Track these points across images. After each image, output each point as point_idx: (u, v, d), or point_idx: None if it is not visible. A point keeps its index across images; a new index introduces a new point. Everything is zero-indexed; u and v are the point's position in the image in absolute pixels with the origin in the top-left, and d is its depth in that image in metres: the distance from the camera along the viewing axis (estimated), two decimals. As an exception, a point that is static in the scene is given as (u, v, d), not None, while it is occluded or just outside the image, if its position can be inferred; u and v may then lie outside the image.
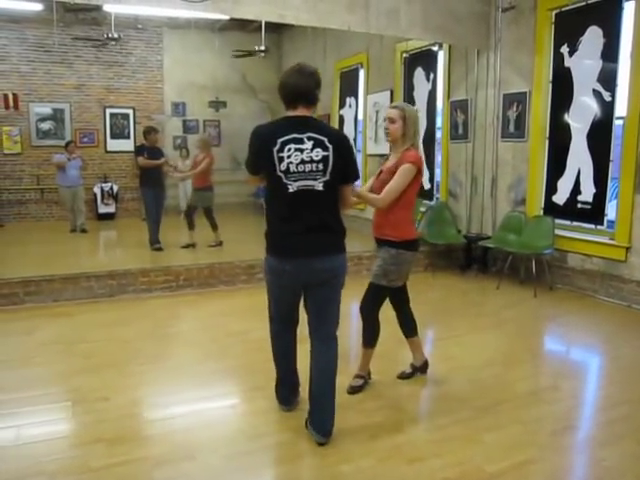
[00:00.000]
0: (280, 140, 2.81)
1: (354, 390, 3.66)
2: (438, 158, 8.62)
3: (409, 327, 4.00)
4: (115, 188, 11.99)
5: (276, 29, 12.08)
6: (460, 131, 7.93)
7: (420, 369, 3.97)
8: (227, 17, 7.67)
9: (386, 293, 3.74)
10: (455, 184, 8.15)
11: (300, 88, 2.90)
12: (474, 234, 7.61)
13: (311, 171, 2.82)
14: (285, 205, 2.88)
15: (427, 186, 8.77)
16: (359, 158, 10.44)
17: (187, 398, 3.61)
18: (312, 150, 2.81)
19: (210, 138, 8.93)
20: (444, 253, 7.60)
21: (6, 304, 5.67)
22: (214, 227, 8.14)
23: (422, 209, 8.26)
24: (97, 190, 11.85)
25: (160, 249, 7.78)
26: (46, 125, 11.81)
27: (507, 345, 4.74)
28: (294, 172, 2.81)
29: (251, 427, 3.21)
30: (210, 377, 3.98)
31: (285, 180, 2.82)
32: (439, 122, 8.53)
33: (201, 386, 3.82)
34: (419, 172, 3.46)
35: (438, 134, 8.57)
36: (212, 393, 3.75)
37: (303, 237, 2.89)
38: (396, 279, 3.64)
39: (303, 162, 2.81)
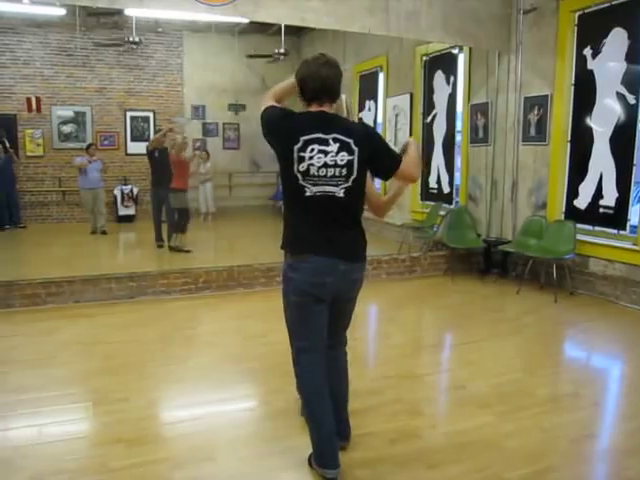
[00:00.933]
0: (303, 138, 2.55)
1: None
2: (458, 162, 8.57)
3: None
4: (135, 190, 12.10)
5: (296, 32, 12.12)
6: (480, 135, 7.87)
7: None
8: (247, 20, 7.72)
9: None
10: (475, 188, 8.09)
11: (330, 81, 2.62)
12: (494, 238, 7.55)
13: (333, 176, 2.57)
14: (304, 210, 2.65)
15: (447, 190, 8.73)
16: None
17: (206, 400, 3.62)
18: (337, 154, 2.56)
19: (184, 140, 8.70)
20: (463, 257, 7.55)
21: (28, 304, 5.74)
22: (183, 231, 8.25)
23: (442, 213, 8.22)
24: (117, 192, 11.97)
25: (161, 246, 7.93)
26: (68, 128, 11.98)
27: (527, 351, 4.68)
28: (314, 175, 2.56)
29: (270, 430, 3.22)
30: (229, 379, 3.99)
31: (302, 182, 2.58)
32: (459, 125, 8.48)
33: (220, 388, 3.83)
34: None
35: (458, 137, 8.52)
36: (231, 395, 3.75)
37: (323, 239, 2.65)
38: None
39: (326, 166, 2.56)
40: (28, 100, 11.34)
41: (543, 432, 3.21)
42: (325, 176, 2.57)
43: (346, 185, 2.61)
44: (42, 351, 4.58)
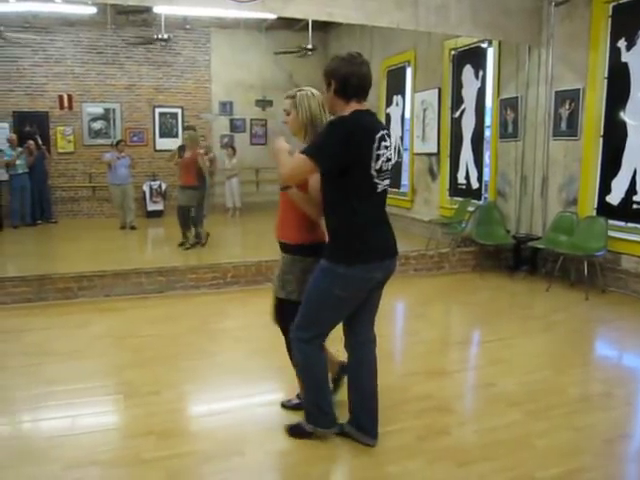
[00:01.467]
0: (377, 136, 2.66)
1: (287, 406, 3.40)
2: (487, 157, 8.47)
3: None
4: (164, 186, 12.24)
5: (323, 27, 12.11)
6: (510, 129, 7.77)
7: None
8: (275, 16, 7.73)
9: None
10: (504, 183, 7.99)
11: (369, 80, 2.74)
12: (523, 234, 7.45)
13: (388, 170, 2.76)
14: (373, 206, 2.74)
15: (475, 185, 8.64)
16: (406, 157, 10.38)
17: (234, 394, 3.65)
18: (390, 148, 2.76)
19: (197, 134, 8.64)
20: (492, 254, 7.47)
21: (61, 298, 5.86)
22: (194, 225, 8.22)
23: (470, 209, 8.14)
24: (146, 188, 12.12)
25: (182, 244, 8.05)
26: (98, 125, 12.16)
27: (557, 349, 4.61)
28: (384, 170, 2.71)
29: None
30: (257, 374, 4.02)
31: (376, 179, 2.68)
32: (488, 120, 8.38)
33: (248, 383, 3.85)
34: None
35: (487, 133, 8.43)
36: (259, 390, 3.77)
37: (388, 238, 2.81)
38: None
39: (388, 160, 2.73)
40: (60, 98, 11.52)
41: (575, 431, 3.16)
42: (388, 170, 2.76)
43: (390, 177, 2.82)
44: (75, 344, 4.66)
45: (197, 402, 3.63)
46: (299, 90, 2.99)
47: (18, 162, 10.48)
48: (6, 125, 11.40)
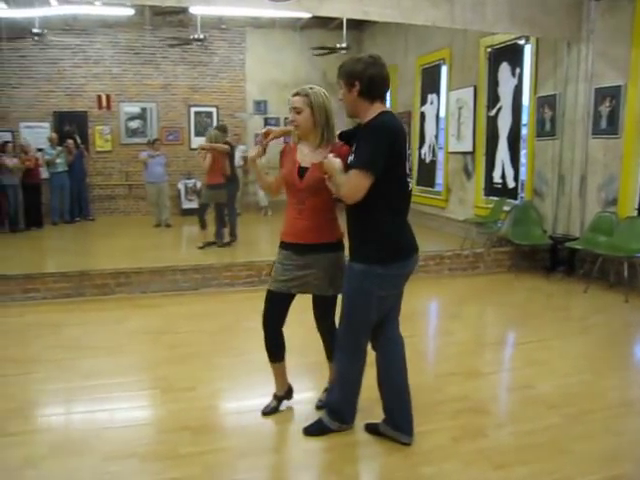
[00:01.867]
0: (407, 138, 2.80)
1: (269, 412, 3.33)
2: (523, 156, 8.34)
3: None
4: (198, 184, 12.35)
5: (357, 26, 12.07)
6: (547, 128, 7.63)
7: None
8: (310, 15, 7.75)
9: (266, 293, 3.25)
10: (541, 183, 7.85)
11: (389, 81, 2.83)
12: (560, 235, 7.31)
13: (411, 168, 2.82)
14: (405, 204, 2.82)
15: (511, 185, 8.51)
16: (440, 156, 10.28)
17: (269, 392, 3.66)
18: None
19: (217, 133, 8.43)
20: (528, 254, 7.35)
21: (98, 294, 5.98)
22: (223, 225, 8.16)
23: (506, 208, 8.03)
24: (181, 186, 12.28)
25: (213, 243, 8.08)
26: (134, 124, 12.36)
27: (596, 352, 4.51)
28: (409, 169, 2.80)
29: (332, 423, 3.22)
30: (292, 372, 4.02)
31: (407, 179, 2.78)
32: (525, 119, 8.25)
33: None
34: None
35: (524, 131, 8.29)
36: (294, 388, 3.78)
37: (412, 233, 2.90)
38: (341, 285, 3.02)
39: (408, 159, 2.79)
40: (98, 97, 11.79)
41: (615, 436, 3.09)
42: (410, 169, 2.82)
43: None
44: (112, 339, 4.76)
45: (232, 399, 3.66)
46: (310, 88, 2.97)
47: (58, 161, 10.71)
48: (47, 125, 11.68)
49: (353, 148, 2.79)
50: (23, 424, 3.35)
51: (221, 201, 8.16)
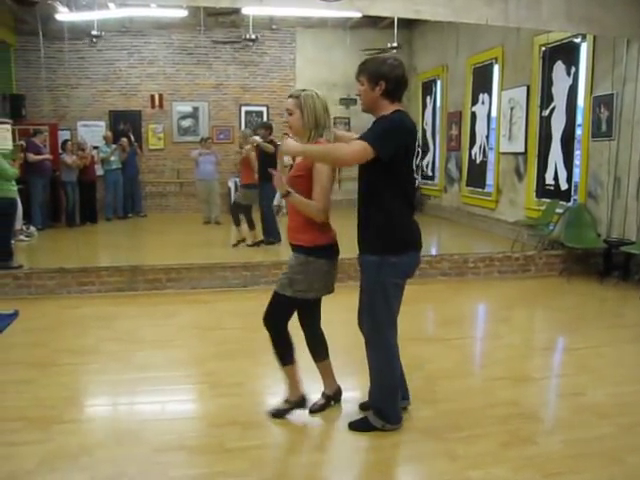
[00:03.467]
0: (418, 135, 2.96)
1: (279, 414, 3.30)
2: (577, 157, 8.12)
3: (318, 349, 3.42)
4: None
5: (408, 25, 11.98)
6: (603, 128, 7.41)
7: (334, 397, 3.44)
8: (360, 15, 7.73)
9: (293, 305, 3.19)
10: (595, 185, 7.63)
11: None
12: (615, 239, 7.08)
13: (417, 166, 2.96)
14: (411, 198, 2.99)
15: (564, 186, 8.30)
16: (491, 156, 10.11)
17: (317, 389, 3.68)
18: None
19: (248, 132, 8.55)
20: (581, 258, 7.15)
21: (150, 289, 6.13)
22: (250, 226, 8.13)
23: (558, 210, 7.84)
24: (231, 184, 12.43)
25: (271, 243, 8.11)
26: (186, 122, 12.62)
27: (653, 360, 4.37)
28: (417, 167, 2.95)
29: (380, 423, 3.21)
30: (340, 370, 4.03)
31: (415, 174, 2.93)
32: (579, 119, 8.02)
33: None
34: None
35: (578, 131, 8.06)
36: (342, 386, 3.79)
37: (420, 232, 3.06)
38: (304, 290, 3.08)
39: (417, 157, 2.94)
40: (152, 97, 12.09)
41: (672, 450, 2.99)
42: (417, 167, 2.97)
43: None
44: (163, 333, 4.88)
45: (277, 396, 3.68)
46: (303, 90, 3.04)
47: (112, 158, 11.05)
48: (102, 123, 12.05)
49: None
50: (78, 412, 3.49)
51: (251, 203, 8.19)
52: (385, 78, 2.85)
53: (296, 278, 3.04)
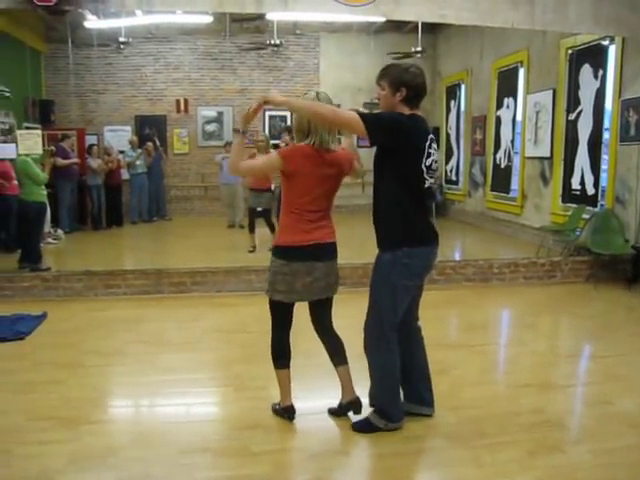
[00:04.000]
0: (430, 136, 2.98)
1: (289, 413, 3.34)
2: (604, 161, 8.00)
3: (330, 354, 3.48)
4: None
5: (432, 29, 11.95)
6: (632, 132, 7.29)
7: (347, 408, 3.36)
8: (384, 19, 7.73)
9: (271, 306, 3.29)
10: (623, 190, 7.51)
11: None
12: (644, 245, 6.97)
13: (435, 170, 3.05)
14: (425, 198, 3.03)
15: (591, 191, 8.19)
16: (516, 161, 10.02)
17: (338, 394, 3.67)
18: (436, 152, 3.05)
19: (267, 137, 8.66)
20: (608, 264, 7.04)
21: (175, 292, 6.19)
22: (271, 229, 8.03)
23: (585, 216, 7.73)
24: (254, 189, 12.51)
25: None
26: (211, 127, 12.74)
27: (683, 369, 4.28)
28: (433, 169, 2.99)
29: (404, 429, 3.19)
30: (362, 375, 4.03)
31: (425, 175, 2.95)
32: (607, 123, 7.91)
33: (354, 384, 3.86)
34: (292, 170, 2.97)
35: (606, 135, 7.95)
36: (364, 391, 3.78)
37: (435, 228, 3.12)
38: (284, 292, 3.13)
39: (434, 162, 3.01)
40: (177, 102, 12.24)
41: None
42: (434, 170, 3.02)
43: (434, 177, 3.07)
44: (187, 336, 4.92)
45: (303, 400, 3.68)
46: (305, 93, 3.18)
47: (138, 162, 11.19)
48: (128, 128, 12.23)
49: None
50: (105, 413, 3.55)
51: (267, 207, 8.18)
52: (406, 85, 2.91)
53: (269, 279, 3.20)
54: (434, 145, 3.00)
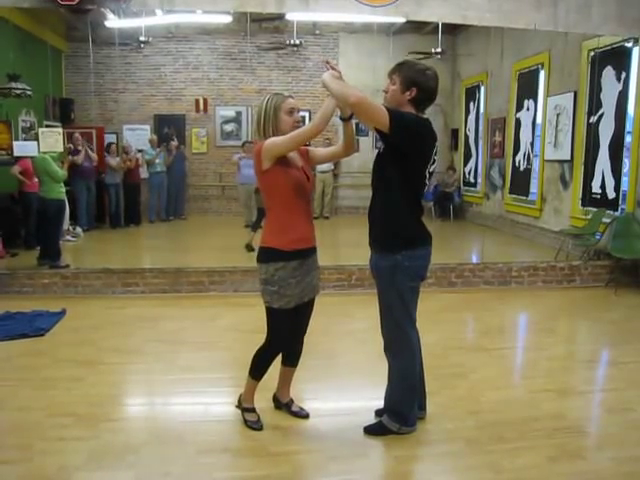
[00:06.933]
0: (437, 143, 3.02)
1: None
2: (626, 165, 7.90)
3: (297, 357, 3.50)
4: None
5: (452, 30, 11.88)
6: (655, 135, 7.20)
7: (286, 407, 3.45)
8: (404, 20, 7.70)
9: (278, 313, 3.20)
10: (645, 193, 7.42)
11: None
12: (666, 250, 6.87)
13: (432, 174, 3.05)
14: (420, 198, 3.06)
15: (612, 195, 8.10)
16: (535, 164, 9.94)
17: (359, 396, 3.68)
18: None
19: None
20: (630, 269, 6.95)
21: (193, 291, 6.22)
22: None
23: (605, 220, 7.64)
24: (271, 188, 12.53)
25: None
26: (229, 127, 12.78)
27: None
28: (431, 174, 3.02)
29: (424, 432, 3.18)
30: (382, 378, 4.01)
31: (427, 180, 3.00)
32: (629, 126, 7.81)
33: (373, 386, 3.80)
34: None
35: (627, 139, 7.85)
36: (382, 395, 3.78)
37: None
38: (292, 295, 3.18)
39: (432, 162, 3.01)
40: (196, 101, 12.31)
41: None
42: (432, 174, 3.05)
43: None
44: (206, 335, 4.94)
45: (322, 401, 3.69)
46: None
47: (157, 161, 11.26)
48: (147, 127, 12.31)
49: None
50: (124, 411, 3.57)
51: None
52: (418, 86, 2.90)
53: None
54: (436, 149, 3.03)
